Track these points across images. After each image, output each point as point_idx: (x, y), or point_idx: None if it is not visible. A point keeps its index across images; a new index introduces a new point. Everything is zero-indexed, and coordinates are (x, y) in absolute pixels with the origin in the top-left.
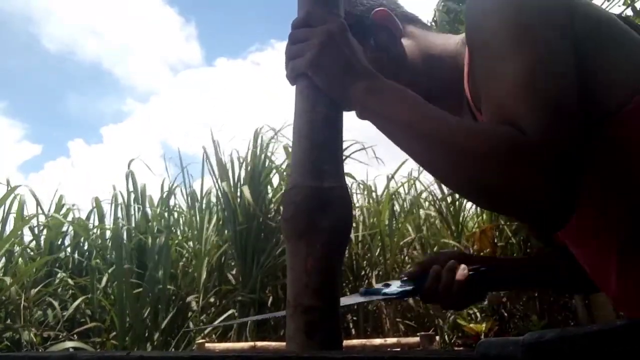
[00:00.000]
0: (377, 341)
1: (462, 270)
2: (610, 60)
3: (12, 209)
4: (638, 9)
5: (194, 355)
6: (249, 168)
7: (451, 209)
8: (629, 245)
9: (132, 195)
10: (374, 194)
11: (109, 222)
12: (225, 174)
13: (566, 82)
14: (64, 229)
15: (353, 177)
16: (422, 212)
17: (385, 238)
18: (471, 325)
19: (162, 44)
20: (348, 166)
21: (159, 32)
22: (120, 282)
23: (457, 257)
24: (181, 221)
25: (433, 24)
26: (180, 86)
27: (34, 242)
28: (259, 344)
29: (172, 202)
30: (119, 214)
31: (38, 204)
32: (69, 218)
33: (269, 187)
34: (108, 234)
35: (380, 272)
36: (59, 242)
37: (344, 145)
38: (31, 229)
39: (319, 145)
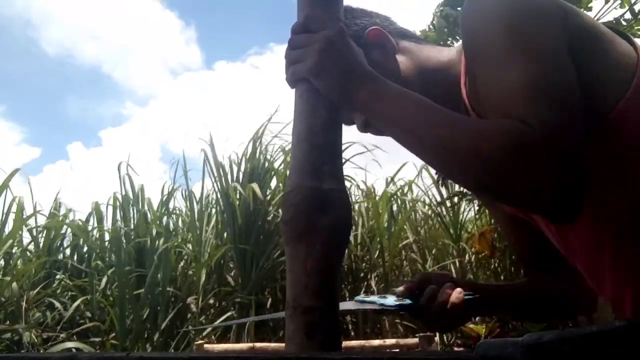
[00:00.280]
0: (376, 342)
1: (458, 294)
2: (597, 67)
3: (11, 209)
4: (636, 11)
5: (193, 357)
6: (248, 170)
7: (450, 212)
8: (624, 240)
9: (131, 198)
10: (372, 194)
11: (108, 224)
12: (225, 176)
13: (568, 81)
14: (63, 230)
15: (352, 179)
16: (420, 214)
17: (384, 240)
18: (471, 326)
19: (162, 48)
20: (347, 169)
21: (159, 36)
22: (120, 283)
23: (449, 280)
24: (180, 223)
25: (432, 27)
26: (180, 89)
27: (32, 244)
28: (258, 345)
29: (171, 205)
30: (118, 217)
31: (35, 207)
32: (68, 220)
33: (268, 189)
34: (107, 235)
35: (379, 274)
36: (58, 244)
37: (343, 147)
38: (30, 231)
39: (318, 148)
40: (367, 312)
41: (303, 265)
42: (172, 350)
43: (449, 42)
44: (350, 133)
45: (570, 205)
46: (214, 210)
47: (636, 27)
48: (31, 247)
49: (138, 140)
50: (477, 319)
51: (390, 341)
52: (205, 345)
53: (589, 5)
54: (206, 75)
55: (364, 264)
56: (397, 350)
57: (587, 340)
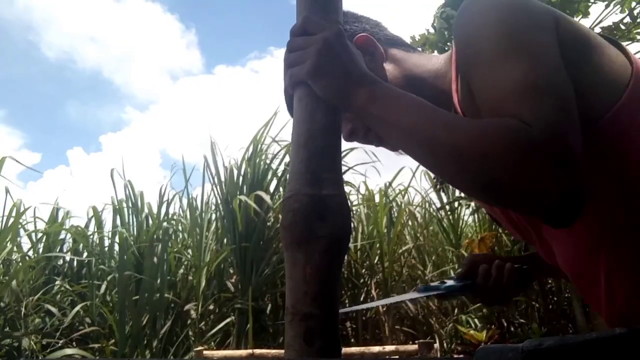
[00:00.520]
0: (376, 349)
1: (510, 267)
2: (587, 75)
3: (11, 214)
4: (635, 15)
5: None
6: (248, 176)
7: (450, 217)
8: (620, 239)
9: (131, 203)
10: (372, 200)
11: (108, 230)
12: (225, 181)
13: (563, 81)
14: (62, 236)
15: (352, 185)
16: (420, 219)
17: (384, 246)
18: (471, 332)
19: (162, 52)
20: (347, 174)
21: (160, 40)
22: (119, 289)
23: (495, 258)
24: (180, 229)
25: (432, 29)
26: (180, 93)
27: (32, 250)
28: (257, 351)
29: (171, 210)
30: (118, 222)
31: (34, 212)
32: (67, 225)
33: (268, 194)
34: (107, 241)
35: (379, 280)
36: (57, 250)
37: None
38: (29, 236)
39: (318, 153)
40: (432, 297)
41: (302, 271)
42: (172, 357)
43: (449, 44)
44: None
45: (572, 204)
46: (214, 216)
47: (635, 31)
48: (31, 253)
49: (138, 145)
50: (479, 327)
51: (389, 348)
52: (205, 352)
53: (588, 10)
54: (206, 79)
55: (363, 270)
56: (397, 357)
57: (587, 346)
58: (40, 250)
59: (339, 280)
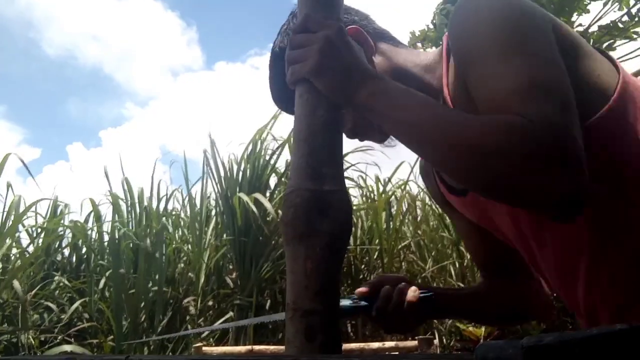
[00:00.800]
0: (376, 345)
1: (413, 292)
2: (576, 80)
3: (11, 211)
4: (634, 13)
5: (191, 359)
6: (248, 171)
7: None
8: (602, 243)
9: (129, 199)
10: (371, 195)
11: (106, 226)
12: (225, 177)
13: (563, 77)
14: (61, 231)
15: (352, 180)
16: (419, 214)
17: (383, 241)
18: (470, 328)
19: (163, 48)
20: (347, 170)
21: (160, 37)
22: (116, 286)
23: (403, 281)
24: (180, 224)
25: (432, 26)
26: (180, 90)
27: (31, 245)
28: (257, 347)
29: (170, 206)
30: (116, 217)
31: (36, 208)
32: (67, 221)
33: (267, 190)
34: (105, 236)
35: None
36: (56, 245)
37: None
38: (29, 233)
39: (319, 149)
40: None
41: (303, 266)
42: (170, 353)
43: None
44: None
45: (578, 198)
46: (213, 212)
47: (633, 30)
48: (30, 248)
49: (138, 140)
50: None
51: (389, 344)
52: (204, 348)
53: (587, 8)
54: (206, 76)
55: (363, 265)
56: (397, 353)
57: (588, 342)
58: (39, 245)
59: (339, 275)
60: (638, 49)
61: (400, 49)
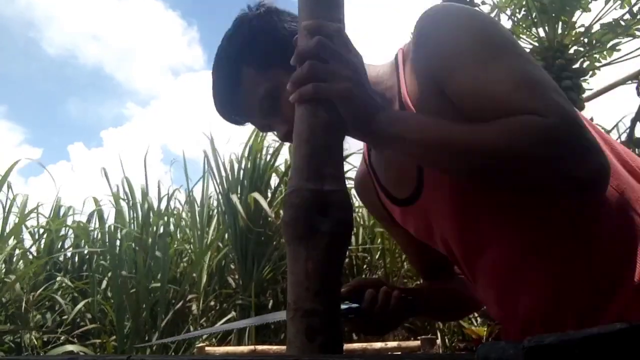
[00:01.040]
0: (378, 345)
1: (398, 294)
2: None
3: (12, 209)
4: (635, 12)
5: (194, 359)
6: (249, 171)
7: None
8: (546, 252)
9: (130, 199)
10: None
11: (109, 225)
12: (226, 177)
13: (546, 73)
14: (64, 232)
15: (353, 180)
16: None
17: (385, 241)
18: (473, 328)
19: (164, 48)
20: (349, 170)
21: (162, 36)
22: (118, 286)
23: (383, 284)
24: (182, 224)
25: None
26: (181, 89)
27: (34, 246)
28: (259, 347)
29: (172, 206)
30: (117, 218)
31: (37, 208)
32: (69, 221)
33: (269, 190)
34: (107, 237)
35: (380, 276)
36: (59, 245)
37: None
38: (31, 234)
39: (320, 149)
40: None
41: (304, 267)
42: (173, 353)
43: None
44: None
45: (606, 169)
46: (215, 212)
47: (635, 28)
48: (33, 249)
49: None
50: (479, 320)
51: (392, 344)
52: (207, 348)
53: (588, 6)
54: (208, 76)
55: (364, 266)
56: (399, 353)
57: (588, 342)
58: (42, 246)
59: (340, 275)
60: (639, 48)
61: None
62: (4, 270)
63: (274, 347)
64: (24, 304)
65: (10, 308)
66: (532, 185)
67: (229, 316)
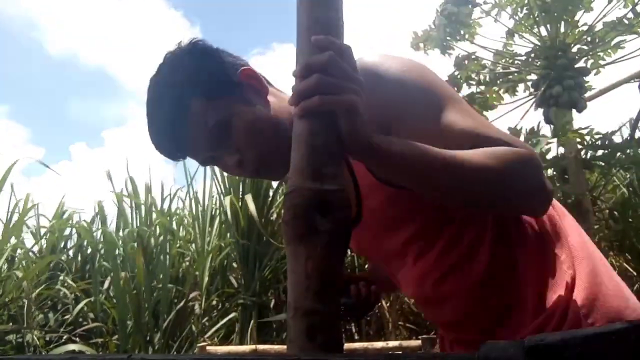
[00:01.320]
0: (379, 344)
1: (374, 288)
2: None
3: (15, 210)
4: (638, 11)
5: (195, 359)
6: None
7: None
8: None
9: (133, 199)
10: None
11: (112, 226)
12: (228, 177)
13: None
14: (67, 232)
15: None
16: None
17: None
18: None
19: (167, 47)
20: None
21: (164, 35)
22: (119, 287)
23: (359, 278)
24: (185, 223)
25: (433, 26)
26: None
27: (36, 246)
28: (260, 347)
29: (174, 206)
30: (120, 217)
31: (37, 208)
32: (72, 221)
33: (270, 189)
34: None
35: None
36: (62, 246)
37: None
38: (34, 234)
39: (319, 148)
40: None
41: (304, 266)
42: (175, 352)
43: (448, 38)
44: None
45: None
46: (217, 211)
47: (638, 26)
48: (35, 248)
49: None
50: None
51: (393, 343)
52: (208, 347)
53: (591, 5)
54: None
55: (366, 265)
56: (400, 352)
57: (589, 341)
58: (45, 246)
59: (341, 275)
60: None
61: (282, 94)
62: (5, 270)
63: (275, 347)
64: (26, 303)
65: (13, 307)
66: (504, 202)
67: (231, 315)
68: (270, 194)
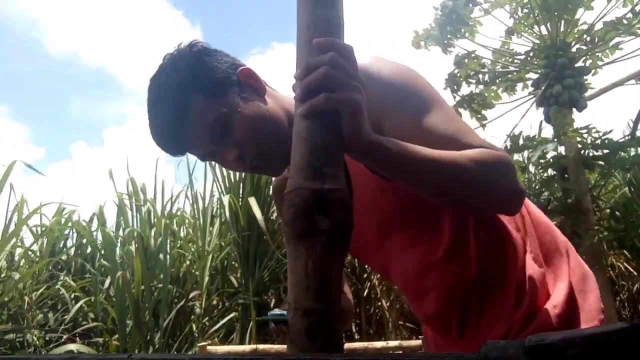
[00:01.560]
0: (379, 344)
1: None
2: None
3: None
4: (638, 11)
5: (195, 358)
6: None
7: None
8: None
9: (134, 199)
10: None
11: (111, 224)
12: (228, 177)
13: None
14: (67, 231)
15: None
16: None
17: None
18: None
19: (167, 47)
20: None
21: (165, 35)
22: (118, 286)
23: None
24: (185, 223)
25: (433, 25)
26: None
27: (35, 245)
28: (261, 346)
29: (175, 205)
30: (121, 217)
31: (41, 207)
32: (72, 220)
33: (270, 189)
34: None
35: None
36: (61, 245)
37: None
38: (32, 231)
39: (319, 148)
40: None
41: (304, 266)
42: (175, 352)
43: (449, 36)
44: None
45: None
46: (218, 211)
47: (637, 26)
48: (34, 247)
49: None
50: None
51: (393, 343)
52: (209, 347)
53: (591, 5)
54: None
55: (366, 265)
56: (400, 352)
57: (590, 341)
58: (44, 245)
59: (341, 274)
60: None
61: (279, 94)
62: (5, 269)
63: (276, 347)
64: (26, 303)
65: (12, 307)
66: (483, 201)
67: (231, 315)
68: (270, 192)
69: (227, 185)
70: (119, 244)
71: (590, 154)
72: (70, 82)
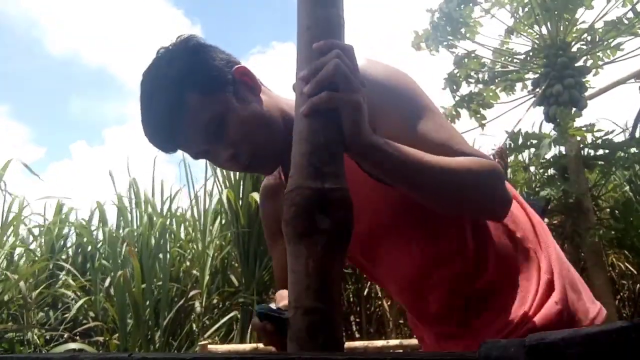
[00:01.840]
0: (380, 343)
1: None
2: None
3: (11, 209)
4: (638, 10)
5: (196, 357)
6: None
7: None
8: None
9: (134, 198)
10: None
11: (111, 224)
12: (228, 175)
13: None
14: (66, 230)
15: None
16: None
17: None
18: None
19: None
20: None
21: (165, 34)
22: (119, 285)
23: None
24: (186, 223)
25: (433, 25)
26: None
27: (34, 244)
28: (261, 345)
29: (175, 205)
30: (120, 217)
31: (44, 207)
32: (72, 220)
33: None
34: (110, 235)
35: None
36: (61, 244)
37: None
38: (30, 230)
39: (320, 147)
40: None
41: (304, 265)
42: (175, 351)
43: (449, 37)
44: None
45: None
46: (218, 210)
47: (638, 26)
48: (34, 246)
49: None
50: None
51: (393, 342)
52: (209, 346)
53: (591, 4)
54: None
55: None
56: (400, 350)
57: (590, 340)
58: (44, 244)
59: (341, 274)
60: None
61: (273, 93)
62: (5, 268)
63: None
64: (26, 302)
65: (13, 306)
66: (473, 206)
67: (232, 314)
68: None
69: (227, 184)
70: (119, 243)
71: (591, 154)
72: (71, 82)
